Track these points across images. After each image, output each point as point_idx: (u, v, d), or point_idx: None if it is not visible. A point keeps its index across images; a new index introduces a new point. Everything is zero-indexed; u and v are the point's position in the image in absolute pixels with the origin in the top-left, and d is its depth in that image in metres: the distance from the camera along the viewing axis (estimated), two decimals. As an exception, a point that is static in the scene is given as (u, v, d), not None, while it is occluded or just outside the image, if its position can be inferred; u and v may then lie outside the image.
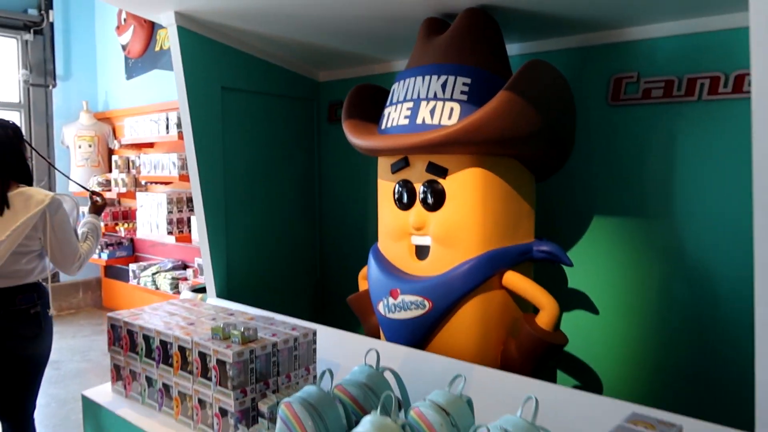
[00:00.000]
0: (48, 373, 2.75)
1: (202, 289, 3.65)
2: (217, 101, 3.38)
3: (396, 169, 2.65)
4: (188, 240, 5.65)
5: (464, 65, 2.51)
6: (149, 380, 2.15)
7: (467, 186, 2.50)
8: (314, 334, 2.08)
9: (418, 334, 2.57)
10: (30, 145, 2.77)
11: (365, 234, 3.85)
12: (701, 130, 2.70)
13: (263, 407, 1.84)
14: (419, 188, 2.59)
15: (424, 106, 2.50)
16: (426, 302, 2.51)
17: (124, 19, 6.60)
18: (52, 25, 6.86)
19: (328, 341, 2.48)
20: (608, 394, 2.98)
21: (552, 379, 3.01)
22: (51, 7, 6.81)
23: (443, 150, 2.46)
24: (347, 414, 1.70)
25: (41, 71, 6.83)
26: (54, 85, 6.93)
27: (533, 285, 2.55)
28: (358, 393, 1.78)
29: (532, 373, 2.46)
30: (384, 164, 2.76)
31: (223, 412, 1.87)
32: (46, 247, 2.54)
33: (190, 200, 5.62)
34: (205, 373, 1.91)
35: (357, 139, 2.73)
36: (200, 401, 1.95)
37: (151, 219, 5.77)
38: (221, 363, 1.84)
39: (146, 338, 2.13)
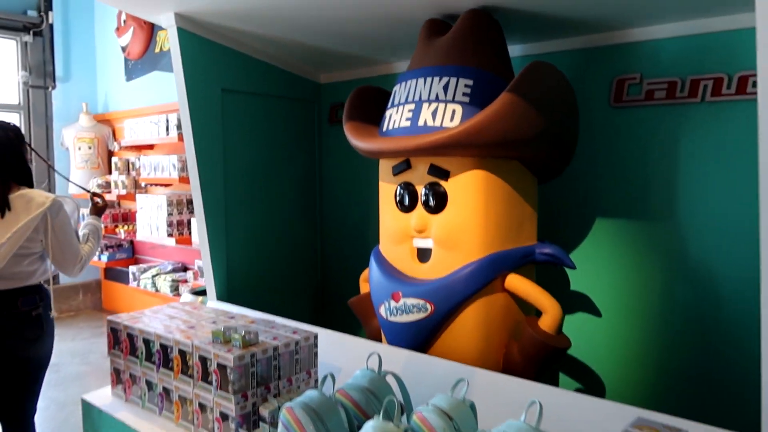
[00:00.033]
0: (47, 376, 2.74)
1: (202, 292, 3.63)
2: (218, 103, 3.37)
3: (397, 171, 2.64)
4: (188, 242, 5.63)
5: (466, 67, 2.50)
6: (149, 384, 2.13)
7: (469, 188, 2.48)
8: (315, 337, 2.07)
9: (420, 338, 2.55)
10: (31, 147, 2.77)
11: (366, 236, 3.83)
12: (704, 131, 2.69)
13: (264, 412, 1.83)
14: (421, 190, 2.57)
15: (426, 107, 2.48)
16: (428, 305, 2.49)
17: (124, 21, 6.59)
18: (51, 26, 6.85)
19: (330, 344, 2.46)
20: (611, 397, 2.98)
21: (554, 381, 3.00)
22: (50, 9, 6.80)
23: (445, 152, 2.45)
24: (349, 419, 1.69)
25: (41, 73, 6.82)
26: (53, 87, 6.92)
27: (536, 288, 2.54)
28: (360, 397, 1.76)
29: (534, 376, 2.45)
30: (385, 166, 2.74)
31: (224, 417, 1.85)
32: (48, 249, 2.54)
33: (190, 202, 5.60)
34: (205, 377, 1.89)
35: (358, 141, 2.71)
36: (201, 405, 1.93)
37: (151, 221, 5.76)
38: (222, 367, 1.82)
39: (146, 342, 2.11)
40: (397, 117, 2.58)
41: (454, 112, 2.43)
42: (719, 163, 2.67)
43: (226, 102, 3.42)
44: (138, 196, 5.99)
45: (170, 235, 5.57)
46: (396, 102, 2.63)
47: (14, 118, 6.67)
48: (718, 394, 2.72)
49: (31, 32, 6.70)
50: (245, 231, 3.61)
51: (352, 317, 3.11)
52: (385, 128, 2.65)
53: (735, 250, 2.64)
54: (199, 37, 3.20)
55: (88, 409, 2.30)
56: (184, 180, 5.33)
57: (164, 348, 2.04)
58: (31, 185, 2.60)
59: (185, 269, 6.18)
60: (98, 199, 2.97)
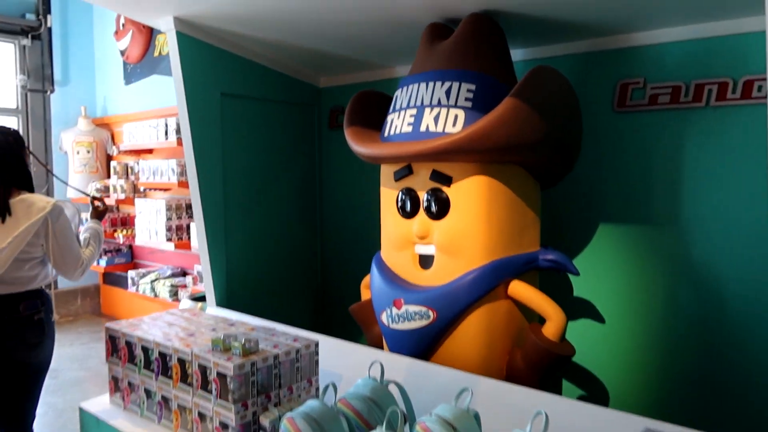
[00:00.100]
0: (46, 381, 2.74)
1: (201, 298, 3.60)
2: (217, 107, 3.35)
3: (399, 176, 2.62)
4: (187, 247, 5.60)
5: (468, 71, 2.48)
6: (148, 392, 2.10)
7: (472, 194, 2.46)
8: (316, 345, 2.04)
9: (423, 345, 2.53)
10: (31, 152, 2.78)
11: (367, 241, 3.80)
12: (709, 136, 2.67)
13: (265, 421, 1.80)
14: (423, 196, 2.55)
15: (428, 113, 2.46)
16: (430, 312, 2.46)
17: (123, 25, 6.57)
18: (50, 30, 6.83)
19: (331, 352, 2.43)
20: (614, 404, 2.96)
21: (558, 388, 2.97)
22: (49, 12, 6.78)
23: (448, 158, 2.42)
24: (351, 429, 1.67)
25: (39, 76, 6.80)
26: (52, 91, 6.89)
27: (539, 294, 2.51)
28: (362, 407, 1.74)
29: (538, 384, 2.42)
30: (387, 172, 2.72)
31: (224, 426, 1.82)
32: (49, 254, 2.56)
33: (189, 207, 5.58)
34: (205, 385, 1.87)
35: (359, 146, 2.69)
36: (200, 414, 1.90)
37: (150, 226, 5.74)
38: (222, 376, 1.80)
39: (145, 349, 2.08)
40: (398, 122, 2.55)
41: (456, 117, 2.41)
42: (723, 168, 2.64)
43: (226, 106, 3.40)
44: (137, 201, 5.97)
45: (169, 239, 5.55)
46: (398, 107, 2.60)
47: (13, 122, 6.65)
48: (723, 398, 2.70)
49: (30, 36, 6.68)
50: (245, 236, 3.59)
51: (353, 322, 3.08)
52: (386, 133, 2.62)
53: (740, 256, 2.63)
54: (198, 41, 3.18)
55: (85, 417, 2.28)
56: (183, 184, 5.32)
57: (163, 356, 2.01)
58: (31, 190, 2.62)
59: (184, 274, 6.16)
60: (99, 203, 2.99)
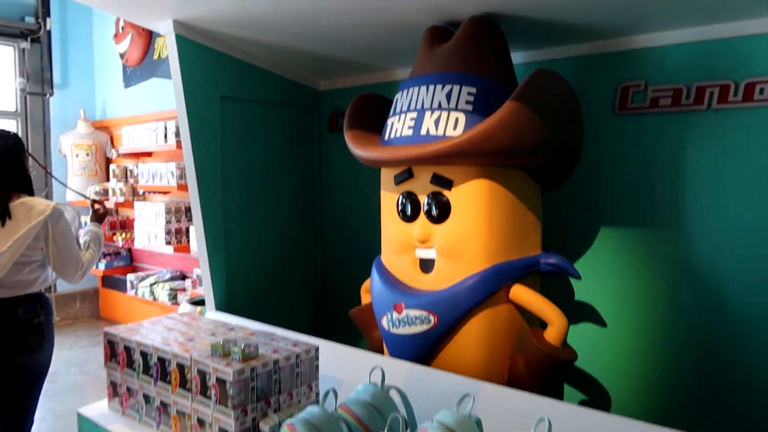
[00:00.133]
0: (44, 385, 2.72)
1: (201, 302, 3.59)
2: (216, 110, 3.34)
3: (399, 180, 2.60)
4: (187, 250, 5.59)
5: (469, 74, 2.47)
6: (147, 398, 2.09)
7: (473, 198, 2.45)
8: (316, 350, 2.03)
9: (423, 350, 2.51)
10: (32, 156, 2.77)
11: (367, 244, 3.79)
12: (710, 139, 2.66)
13: (265, 427, 1.79)
14: (424, 200, 2.54)
15: (429, 116, 2.45)
16: (431, 317, 2.45)
17: (122, 28, 6.57)
18: (49, 33, 6.82)
19: (331, 356, 2.42)
20: (616, 408, 2.95)
21: (559, 393, 2.96)
22: (48, 15, 6.77)
23: (448, 161, 2.41)
24: (352, 435, 1.65)
25: (38, 79, 6.79)
26: (51, 94, 6.88)
27: (541, 299, 2.50)
28: (363, 413, 1.72)
29: (540, 389, 2.41)
30: (387, 175, 2.71)
31: (223, 433, 1.81)
32: (49, 257, 2.56)
33: (188, 210, 5.56)
34: (204, 391, 1.85)
35: (360, 150, 2.68)
36: (199, 420, 1.89)
37: (149, 229, 5.72)
38: (221, 381, 1.78)
39: (143, 354, 2.07)
40: (399, 125, 2.54)
41: (457, 120, 2.39)
42: (725, 171, 2.63)
43: (225, 109, 3.39)
44: (136, 204, 5.96)
45: (168, 243, 5.54)
46: (398, 110, 2.59)
47: (12, 125, 6.64)
48: (724, 399, 2.69)
49: (29, 39, 6.67)
50: (244, 239, 3.58)
51: (353, 326, 3.07)
52: (387, 137, 2.61)
53: (741, 258, 2.62)
54: (197, 44, 3.17)
55: (84, 422, 2.26)
56: (183, 187, 5.30)
57: (162, 361, 2.00)
58: (31, 193, 2.62)
59: (184, 278, 6.14)
60: (99, 206, 2.99)
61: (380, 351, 2.83)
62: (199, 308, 3.48)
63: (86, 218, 3.06)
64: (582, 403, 3.05)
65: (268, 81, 3.66)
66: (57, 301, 6.71)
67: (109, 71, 6.98)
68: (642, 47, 2.79)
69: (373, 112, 2.89)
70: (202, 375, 1.85)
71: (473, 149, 2.29)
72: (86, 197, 3.28)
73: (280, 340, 2.07)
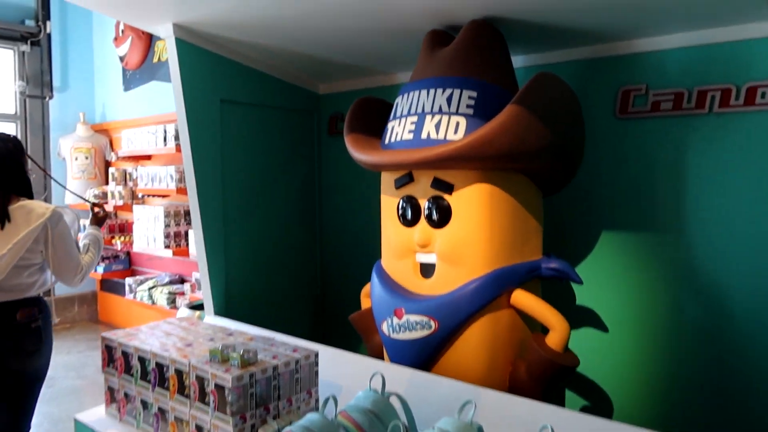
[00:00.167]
0: (42, 390, 2.71)
1: (200, 306, 3.57)
2: (216, 114, 3.32)
3: (400, 184, 2.59)
4: (185, 254, 5.58)
5: (470, 78, 2.46)
6: (144, 404, 2.07)
7: (474, 202, 2.43)
8: (316, 356, 2.01)
9: (424, 355, 2.49)
10: (32, 159, 2.77)
11: (367, 248, 3.77)
12: (711, 143, 2.65)
13: (263, 434, 1.77)
14: (424, 204, 2.52)
15: (429, 120, 2.44)
16: (432, 322, 2.43)
17: (122, 31, 6.56)
18: (49, 36, 6.82)
19: (330, 362, 2.40)
20: (618, 414, 2.93)
21: (561, 399, 2.94)
22: (48, 18, 6.77)
23: (449, 165, 2.40)
24: (352, 443, 1.63)
25: (38, 82, 6.78)
26: (51, 97, 6.88)
27: (542, 304, 2.48)
28: (363, 420, 1.70)
29: (542, 395, 2.39)
30: (387, 179, 2.69)
31: (222, 440, 1.79)
32: (48, 260, 2.56)
33: (187, 213, 5.55)
34: (202, 397, 1.83)
35: (360, 154, 2.66)
36: (198, 427, 1.87)
37: (148, 232, 5.71)
38: (220, 387, 1.76)
39: (141, 360, 2.05)
40: (399, 129, 2.53)
41: (458, 124, 2.38)
42: (727, 175, 2.62)
43: (225, 112, 3.38)
44: (135, 207, 5.94)
45: (167, 246, 5.52)
46: (398, 114, 2.58)
47: (11, 128, 6.64)
48: (725, 405, 2.67)
49: (29, 42, 6.67)
50: (244, 243, 3.56)
51: (353, 330, 3.05)
52: (387, 141, 2.60)
53: (744, 262, 2.60)
54: (197, 48, 3.16)
55: (81, 428, 2.24)
56: (182, 191, 5.30)
57: (160, 367, 1.98)
58: (30, 196, 2.62)
59: (182, 281, 6.12)
60: (99, 210, 2.99)
61: (380, 356, 2.81)
62: (197, 313, 3.47)
63: (86, 221, 3.05)
64: (584, 409, 3.03)
65: (267, 84, 3.65)
66: (55, 304, 6.68)
67: (109, 74, 6.98)
68: (643, 51, 2.78)
69: (373, 116, 2.87)
70: (201, 381, 1.83)
71: (474, 153, 2.28)
72: (86, 200, 3.27)
73: (280, 346, 2.05)
